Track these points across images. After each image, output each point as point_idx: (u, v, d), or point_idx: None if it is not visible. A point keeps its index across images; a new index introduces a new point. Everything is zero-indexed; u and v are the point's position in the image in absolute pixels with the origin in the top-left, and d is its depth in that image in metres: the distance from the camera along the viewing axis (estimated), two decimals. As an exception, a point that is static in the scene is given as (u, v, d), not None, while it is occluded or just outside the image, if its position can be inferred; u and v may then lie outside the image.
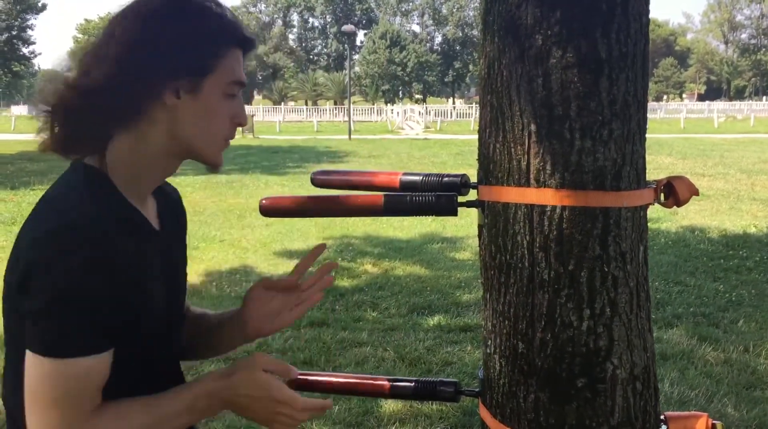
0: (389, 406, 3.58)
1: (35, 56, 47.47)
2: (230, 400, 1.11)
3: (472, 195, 1.47)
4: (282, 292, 1.31)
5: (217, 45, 1.10)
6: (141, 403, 1.08)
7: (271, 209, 1.59)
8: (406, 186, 1.52)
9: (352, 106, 29.89)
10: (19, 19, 41.67)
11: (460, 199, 1.46)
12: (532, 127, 1.29)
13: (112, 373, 1.06)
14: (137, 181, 1.13)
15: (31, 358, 1.00)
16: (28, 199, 10.51)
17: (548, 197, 1.28)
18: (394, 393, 1.60)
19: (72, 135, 1.11)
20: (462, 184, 1.49)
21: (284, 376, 1.16)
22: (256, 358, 1.13)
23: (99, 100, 1.07)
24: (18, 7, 41.14)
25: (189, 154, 1.15)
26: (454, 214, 1.45)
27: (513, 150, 1.32)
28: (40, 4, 42.88)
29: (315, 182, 1.68)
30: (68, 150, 1.12)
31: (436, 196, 1.45)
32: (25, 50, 43.24)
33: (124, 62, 1.05)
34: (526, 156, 1.30)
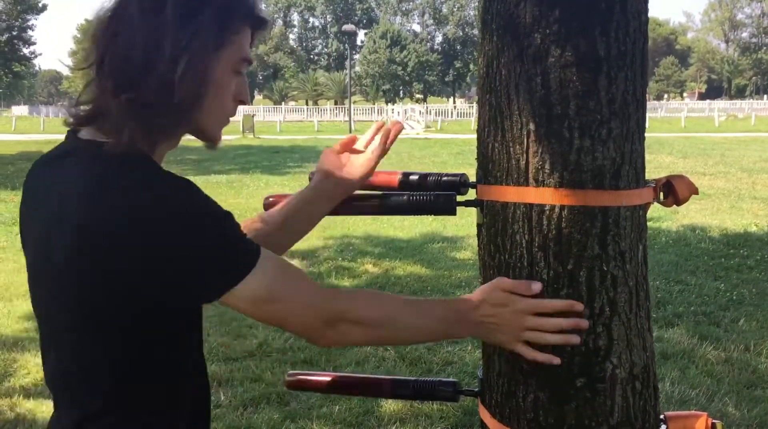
0: (389, 405, 3.58)
1: (36, 57, 47.55)
2: (478, 321, 1.19)
3: (471, 194, 1.47)
4: (351, 152, 1.44)
5: (231, 20, 1.10)
6: (397, 297, 1.22)
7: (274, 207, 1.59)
8: (405, 185, 1.51)
9: (352, 105, 29.89)
10: (19, 20, 41.69)
11: (459, 198, 1.46)
12: (531, 126, 1.29)
13: (184, 337, 1.12)
14: (158, 160, 1.12)
15: (248, 283, 1.02)
16: (28, 199, 10.49)
17: (547, 196, 1.27)
18: (395, 393, 1.60)
19: (132, 124, 1.04)
20: (461, 184, 1.48)
21: (525, 293, 1.21)
22: (497, 281, 1.22)
23: (175, 93, 1.03)
24: (18, 7, 41.14)
25: (196, 130, 1.14)
26: (453, 213, 1.44)
27: (512, 149, 1.32)
28: (40, 5, 42.88)
29: (314, 182, 1.67)
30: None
31: (435, 195, 1.44)
32: (25, 50, 43.23)
33: (178, 43, 1.03)
34: (524, 155, 1.30)
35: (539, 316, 1.20)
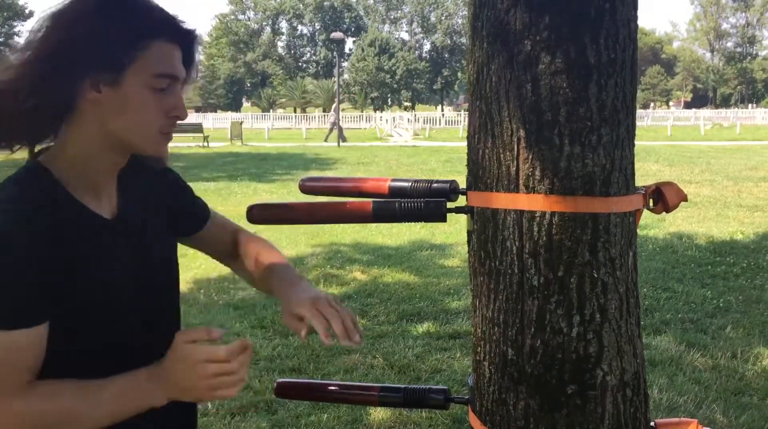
0: (378, 413, 3.56)
1: (22, 63, 47.21)
2: (166, 382, 1.10)
3: (462, 201, 1.47)
4: None
5: (135, 38, 1.10)
6: (77, 385, 1.08)
7: (258, 216, 1.59)
8: (395, 192, 1.51)
9: (341, 113, 29.94)
10: (5, 26, 41.47)
11: (450, 205, 1.45)
12: (521, 132, 1.29)
13: (88, 369, 1.08)
14: (84, 175, 1.15)
15: None
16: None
17: (538, 203, 1.27)
18: (384, 401, 1.59)
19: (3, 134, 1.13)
20: (451, 190, 1.48)
21: (208, 338, 1.11)
22: (176, 336, 1.11)
23: (16, 99, 1.08)
24: (5, 14, 40.94)
25: (125, 147, 1.16)
26: (443, 220, 1.44)
27: (502, 156, 1.32)
28: (27, 11, 42.69)
29: (303, 189, 1.67)
30: (4, 146, 1.15)
31: (425, 202, 1.44)
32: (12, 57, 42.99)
33: (39, 60, 1.08)
34: (515, 162, 1.30)
35: (220, 364, 1.08)
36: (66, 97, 1.10)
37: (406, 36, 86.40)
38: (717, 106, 70.93)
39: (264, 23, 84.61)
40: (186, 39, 1.17)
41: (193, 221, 1.44)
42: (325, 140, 27.82)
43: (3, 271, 1.01)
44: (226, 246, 1.49)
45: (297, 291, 1.28)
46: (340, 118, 29.29)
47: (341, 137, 26.85)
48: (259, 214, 1.57)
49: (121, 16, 1.10)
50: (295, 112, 61.55)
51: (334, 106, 30.24)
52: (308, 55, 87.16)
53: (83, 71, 1.08)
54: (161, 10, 1.14)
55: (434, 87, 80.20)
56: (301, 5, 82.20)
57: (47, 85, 1.08)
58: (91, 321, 1.12)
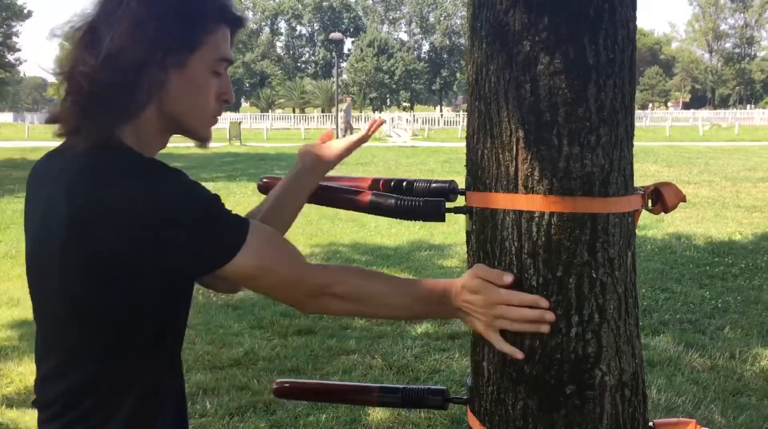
0: (377, 414, 3.56)
1: (21, 63, 47.23)
2: (457, 306, 1.24)
3: (460, 201, 1.47)
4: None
5: (203, 22, 1.13)
6: (385, 276, 1.28)
7: (265, 188, 1.61)
8: (393, 191, 1.51)
9: (339, 113, 29.91)
10: (4, 26, 41.42)
11: (448, 205, 1.46)
12: (520, 133, 1.29)
13: (174, 336, 1.20)
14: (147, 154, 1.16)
15: (236, 262, 1.08)
16: (12, 206, 10.41)
17: (536, 203, 1.27)
18: (382, 401, 1.59)
19: (83, 122, 1.10)
20: (450, 190, 1.48)
21: (497, 283, 1.24)
22: (474, 268, 1.26)
23: (101, 86, 1.08)
24: (3, 14, 40.88)
25: (178, 129, 1.19)
26: (442, 219, 1.44)
27: (501, 156, 1.32)
28: (26, 11, 42.63)
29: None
30: (82, 134, 1.11)
31: (424, 201, 1.44)
32: (10, 57, 42.92)
33: (117, 45, 1.07)
34: (514, 162, 1.30)
35: (509, 307, 1.23)
36: (138, 77, 1.10)
37: (404, 36, 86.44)
38: (715, 107, 71.00)
39: (263, 23, 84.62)
40: (237, 24, 1.21)
41: None
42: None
43: (215, 202, 1.08)
44: None
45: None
46: (341, 118, 29.32)
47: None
48: (268, 184, 1.60)
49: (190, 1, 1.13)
50: (293, 112, 61.54)
51: (345, 106, 30.26)
52: (307, 55, 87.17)
53: (156, 51, 1.09)
54: None
55: (433, 87, 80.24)
56: (299, 5, 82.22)
57: (127, 65, 1.08)
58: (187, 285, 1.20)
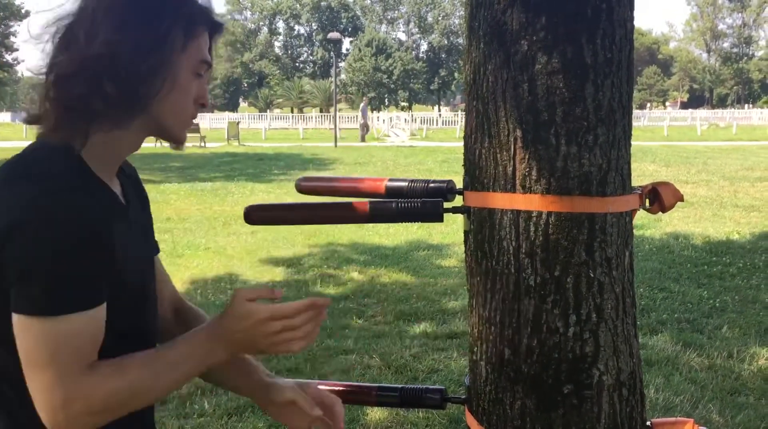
0: (375, 413, 3.56)
1: (18, 63, 47.15)
2: (228, 340, 1.11)
3: (459, 201, 1.47)
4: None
5: (190, 23, 1.13)
6: (139, 356, 1.09)
7: (256, 218, 1.58)
8: (392, 192, 1.51)
9: (338, 113, 29.92)
10: (2, 26, 41.36)
11: (446, 205, 1.46)
12: (518, 132, 1.29)
13: (121, 352, 1.08)
14: (110, 159, 1.14)
15: (21, 322, 1.00)
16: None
17: (534, 203, 1.28)
18: (380, 401, 1.59)
19: (65, 117, 1.08)
20: (448, 190, 1.48)
21: (269, 297, 1.15)
22: (236, 292, 1.12)
23: (77, 85, 1.06)
24: (1, 14, 40.83)
25: (158, 131, 1.17)
26: (440, 220, 1.44)
27: (499, 156, 1.32)
28: (23, 11, 42.58)
29: (300, 189, 1.67)
30: (58, 132, 1.09)
31: (422, 202, 1.44)
32: (8, 57, 42.88)
33: (104, 40, 1.06)
34: (512, 161, 1.30)
35: (284, 320, 1.10)
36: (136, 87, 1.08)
37: (403, 36, 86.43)
38: (713, 107, 71.03)
39: (261, 23, 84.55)
40: (217, 29, 1.20)
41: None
42: (362, 140, 27.87)
43: (59, 256, 0.99)
44: (161, 301, 1.34)
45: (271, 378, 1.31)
46: (339, 118, 29.39)
47: (362, 137, 27.06)
48: (257, 215, 1.57)
49: (176, 3, 1.12)
50: (292, 112, 61.52)
51: (362, 105, 30.26)
52: (305, 55, 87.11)
53: (147, 57, 1.08)
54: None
55: (431, 87, 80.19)
56: (298, 5, 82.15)
57: (111, 62, 1.06)
58: (122, 303, 1.11)
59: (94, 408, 1.03)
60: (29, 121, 1.12)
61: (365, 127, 28.44)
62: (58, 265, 0.99)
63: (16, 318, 1.00)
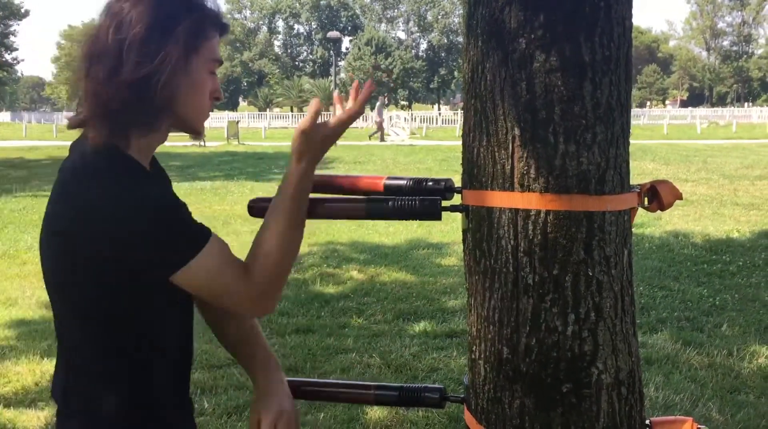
0: (375, 413, 3.56)
1: (18, 62, 47.18)
2: (311, 159, 1.37)
3: (457, 200, 1.47)
4: None
5: (206, 25, 1.27)
6: (267, 214, 1.32)
7: (258, 209, 1.59)
8: (390, 190, 1.51)
9: (337, 113, 29.82)
10: (1, 26, 41.33)
11: (445, 203, 1.45)
12: (516, 131, 1.28)
13: (166, 321, 1.29)
14: (147, 154, 1.29)
15: (188, 271, 1.18)
16: (10, 205, 10.40)
17: (532, 201, 1.27)
18: (380, 400, 1.59)
19: (111, 126, 1.21)
20: (446, 189, 1.48)
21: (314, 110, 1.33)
22: (305, 120, 1.34)
23: (130, 104, 1.19)
24: (1, 13, 40.80)
25: (180, 125, 1.31)
26: (438, 218, 1.44)
27: (497, 154, 1.31)
28: (23, 11, 42.57)
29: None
30: (106, 137, 1.21)
31: (420, 200, 1.44)
32: (8, 56, 42.86)
33: (145, 53, 1.19)
34: (510, 160, 1.30)
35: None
36: (164, 93, 1.22)
37: (402, 35, 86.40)
38: (713, 105, 71.05)
39: (260, 22, 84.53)
40: (224, 31, 1.34)
41: None
42: (382, 140, 27.79)
43: (174, 214, 1.19)
44: None
45: (272, 381, 1.65)
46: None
47: (381, 137, 27.01)
48: (259, 207, 1.58)
49: (192, 7, 1.26)
50: (291, 111, 61.50)
51: (378, 104, 30.17)
52: (305, 54, 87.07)
53: (170, 61, 1.20)
54: (215, 2, 1.33)
55: (431, 86, 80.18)
56: (297, 4, 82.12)
57: (153, 84, 1.19)
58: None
59: (271, 263, 1.25)
60: (72, 126, 1.27)
61: (380, 127, 28.32)
62: (177, 221, 1.19)
63: (182, 272, 1.18)
